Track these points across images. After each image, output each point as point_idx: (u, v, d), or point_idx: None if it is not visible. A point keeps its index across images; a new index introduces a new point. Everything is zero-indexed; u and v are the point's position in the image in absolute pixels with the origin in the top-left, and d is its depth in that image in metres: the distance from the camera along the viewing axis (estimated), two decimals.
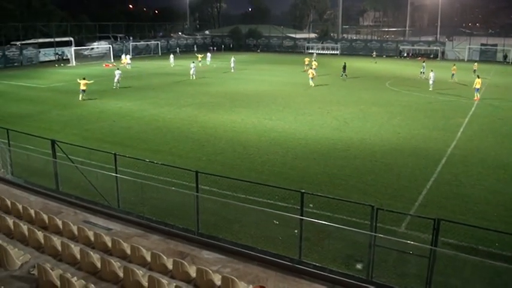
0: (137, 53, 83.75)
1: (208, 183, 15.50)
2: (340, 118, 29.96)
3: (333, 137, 25.10)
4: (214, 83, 47.01)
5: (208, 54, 70.82)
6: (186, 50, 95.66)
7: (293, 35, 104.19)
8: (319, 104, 34.75)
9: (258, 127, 27.43)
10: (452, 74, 48.38)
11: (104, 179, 14.90)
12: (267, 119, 29.75)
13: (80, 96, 37.11)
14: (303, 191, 11.47)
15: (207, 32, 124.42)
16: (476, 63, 57.36)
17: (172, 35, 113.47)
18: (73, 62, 67.43)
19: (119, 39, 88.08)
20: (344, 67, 51.40)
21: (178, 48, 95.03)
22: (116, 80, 42.89)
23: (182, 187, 14.14)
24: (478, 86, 36.79)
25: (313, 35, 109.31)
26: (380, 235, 10.47)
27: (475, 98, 36.82)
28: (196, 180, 12.69)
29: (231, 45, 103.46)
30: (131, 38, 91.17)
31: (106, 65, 66.08)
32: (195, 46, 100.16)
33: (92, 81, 39.43)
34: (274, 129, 26.81)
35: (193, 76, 49.18)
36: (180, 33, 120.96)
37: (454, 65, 51.41)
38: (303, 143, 23.90)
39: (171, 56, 68.48)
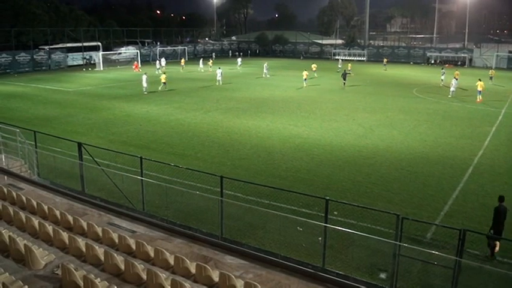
0: (164, 58, 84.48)
1: (232, 188, 15.50)
2: (366, 125, 29.69)
3: (359, 144, 24.87)
4: (240, 88, 47.13)
5: (239, 60, 71.16)
6: (217, 56, 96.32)
7: (319, 41, 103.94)
8: (345, 111, 34.52)
9: (283, 133, 27.39)
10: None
11: (129, 182, 15.05)
12: (292, 125, 29.68)
13: (160, 87, 44.14)
14: (328, 198, 11.38)
15: (233, 37, 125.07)
16: (492, 70, 57.37)
17: (199, 40, 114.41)
18: (101, 67, 68.51)
19: (146, 45, 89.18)
20: (344, 75, 48.83)
21: (213, 54, 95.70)
22: (144, 85, 43.00)
23: (207, 192, 14.17)
24: (480, 89, 39.18)
25: (339, 41, 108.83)
26: (405, 244, 10.30)
27: (478, 100, 38.87)
28: (221, 185, 12.69)
29: (257, 51, 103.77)
30: (158, 44, 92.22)
31: (135, 65, 67.00)
32: (230, 52, 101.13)
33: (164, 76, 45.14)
34: (299, 136, 26.73)
35: (220, 82, 49.41)
36: (207, 38, 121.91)
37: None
38: (328, 150, 23.74)
39: (200, 61, 68.77)
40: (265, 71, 58.25)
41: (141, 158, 14.65)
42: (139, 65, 68.98)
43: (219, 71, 50.10)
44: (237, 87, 47.69)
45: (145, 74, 43.33)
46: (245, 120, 30.91)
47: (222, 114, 33.23)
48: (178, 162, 19.05)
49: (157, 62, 67.05)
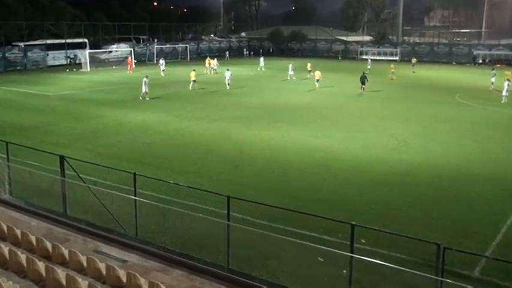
0: (162, 58, 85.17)
1: (241, 210, 15.41)
2: (399, 136, 29.59)
3: (390, 159, 24.78)
4: (252, 93, 47.31)
5: (261, 60, 71.76)
6: (220, 55, 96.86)
7: (344, 38, 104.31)
8: (374, 120, 34.47)
9: (301, 146, 27.39)
10: None
11: (120, 202, 15.04)
12: (312, 136, 29.67)
13: (190, 86, 48.21)
14: (354, 223, 11.28)
15: (243, 34, 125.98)
16: None
17: (203, 37, 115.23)
18: (87, 67, 68.99)
19: (141, 42, 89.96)
20: (363, 79, 48.17)
21: (227, 52, 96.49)
22: (143, 90, 42.94)
23: (211, 214, 14.12)
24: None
25: (367, 38, 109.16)
26: (448, 280, 10.16)
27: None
28: (228, 207, 12.66)
29: (271, 50, 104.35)
30: (156, 41, 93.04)
31: (129, 63, 67.54)
32: (246, 50, 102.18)
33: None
34: (320, 149, 26.70)
35: (229, 85, 49.63)
36: (212, 35, 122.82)
37: None
38: (354, 166, 23.66)
39: (214, 61, 68.55)
40: (290, 72, 59.06)
41: (134, 174, 14.67)
42: (133, 64, 69.54)
43: (227, 74, 50.35)
44: (248, 92, 47.87)
45: (146, 77, 43.54)
46: (256, 131, 30.98)
47: (229, 123, 33.34)
48: (178, 179, 19.02)
49: (161, 62, 66.64)
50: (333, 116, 35.69)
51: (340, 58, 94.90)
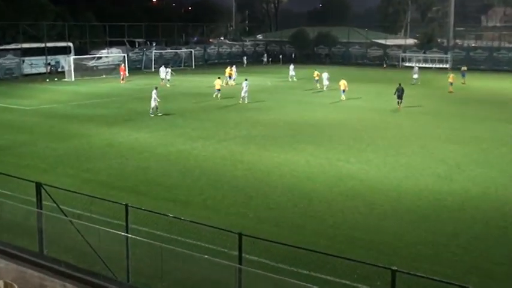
0: (161, 65, 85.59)
1: (256, 251, 15.32)
2: (451, 161, 29.35)
3: (440, 189, 24.54)
4: (270, 107, 47.46)
5: (291, 68, 72.27)
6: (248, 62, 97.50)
7: (382, 41, 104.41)
8: (419, 141, 34.30)
9: (330, 172, 27.26)
10: None
11: (109, 240, 14.99)
12: (343, 160, 29.55)
13: (215, 94, 52.36)
14: (395, 268, 11.13)
15: (259, 36, 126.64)
16: None
17: (211, 40, 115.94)
18: (72, 76, 69.52)
19: (137, 46, 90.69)
20: (399, 92, 47.70)
21: (245, 58, 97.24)
22: (152, 104, 43.19)
23: (219, 255, 14.02)
24: None
25: (411, 41, 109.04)
26: None
27: None
28: (240, 247, 12.57)
29: (293, 55, 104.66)
30: (154, 45, 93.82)
31: (121, 70, 67.94)
32: (266, 57, 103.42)
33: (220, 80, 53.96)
34: (354, 176, 26.54)
35: (246, 99, 50.01)
36: (222, 38, 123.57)
37: None
38: (395, 197, 23.46)
39: (233, 68, 68.60)
40: (326, 82, 60.00)
41: (126, 205, 14.62)
42: (126, 73, 69.99)
43: (245, 84, 50.64)
44: (266, 106, 48.03)
45: (155, 88, 43.90)
46: (275, 153, 30.93)
47: (242, 144, 33.40)
48: (180, 212, 18.97)
49: (166, 70, 66.07)
50: (368, 136, 35.61)
51: (385, 66, 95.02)
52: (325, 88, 59.44)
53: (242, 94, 50.35)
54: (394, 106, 47.38)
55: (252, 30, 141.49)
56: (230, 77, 65.80)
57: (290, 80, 70.46)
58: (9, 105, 48.14)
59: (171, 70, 66.65)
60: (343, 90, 51.79)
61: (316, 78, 62.48)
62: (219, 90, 52.63)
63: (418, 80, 66.50)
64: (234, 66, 71.27)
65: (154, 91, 43.34)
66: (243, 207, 22.14)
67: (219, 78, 54.27)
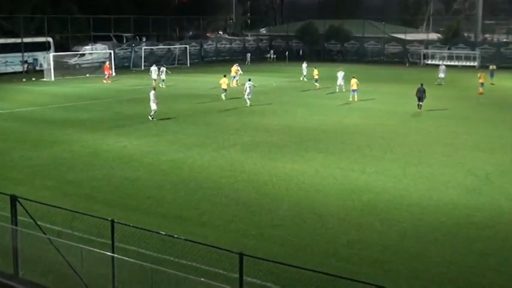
0: (152, 63, 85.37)
1: (259, 273, 15.29)
2: (480, 172, 29.29)
3: (467, 204, 24.47)
4: (276, 111, 47.63)
5: (304, 65, 72.42)
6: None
7: (401, 36, 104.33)
8: (443, 148, 34.27)
9: (343, 184, 27.19)
10: None
11: (93, 260, 14.95)
12: (358, 171, 29.49)
13: (223, 96, 53.22)
14: None
15: (262, 30, 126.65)
16: None
17: (208, 35, 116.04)
18: (51, 76, 69.49)
19: (125, 41, 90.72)
20: (420, 93, 47.59)
21: (249, 55, 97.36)
22: (153, 108, 43.15)
23: (216, 278, 14.00)
24: None
25: (434, 36, 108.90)
26: None
27: None
28: (241, 269, 12.54)
29: (301, 52, 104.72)
30: (144, 40, 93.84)
31: (106, 69, 67.88)
32: (271, 53, 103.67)
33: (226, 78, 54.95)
34: (369, 189, 26.49)
35: (248, 100, 50.01)
36: (220, 32, 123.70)
37: None
38: (416, 213, 23.41)
39: (237, 67, 68.14)
40: (341, 82, 60.47)
41: (112, 222, 14.59)
42: (112, 72, 69.95)
43: (248, 85, 50.38)
44: (270, 110, 48.17)
45: (154, 89, 44.06)
46: (281, 163, 30.90)
47: (243, 152, 33.39)
48: (173, 229, 18.93)
49: (161, 69, 65.67)
50: (386, 143, 35.60)
51: (408, 65, 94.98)
52: (337, 89, 59.52)
53: (245, 96, 50.21)
54: (415, 109, 47.40)
55: (254, 23, 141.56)
56: (235, 77, 65.54)
57: (302, 79, 70.66)
58: None
59: (166, 69, 66.25)
60: (355, 90, 52.19)
61: (316, 77, 63.04)
62: (225, 90, 53.47)
63: (444, 79, 66.43)
64: (237, 64, 70.87)
65: (153, 92, 43.20)
66: (244, 224, 22.08)
67: (225, 76, 54.80)
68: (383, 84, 66.54)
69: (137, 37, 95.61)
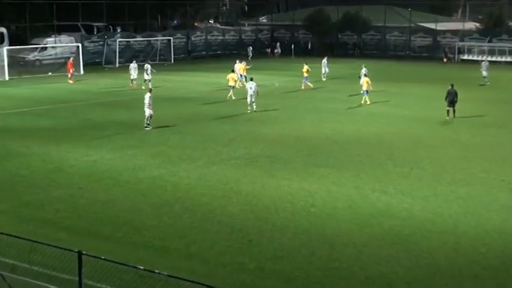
0: (129, 59, 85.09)
1: None
2: None
3: None
4: (279, 117, 47.98)
5: (324, 62, 72.46)
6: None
7: (432, 26, 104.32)
8: (483, 163, 34.28)
9: (360, 207, 27.11)
10: None
11: None
12: (378, 190, 29.43)
13: (231, 94, 55.49)
14: None
15: (263, 19, 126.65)
16: None
17: (196, 24, 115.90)
18: (5, 75, 69.43)
19: (95, 33, 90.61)
20: (451, 96, 47.57)
21: (251, 49, 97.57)
22: (148, 113, 43.18)
23: None
24: None
25: (471, 25, 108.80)
26: None
27: None
28: None
29: (309, 45, 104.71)
30: (119, 30, 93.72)
31: (70, 66, 67.81)
32: (277, 46, 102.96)
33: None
34: (393, 213, 26.46)
35: (254, 105, 50.06)
36: (211, 21, 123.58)
37: None
38: (450, 242, 23.41)
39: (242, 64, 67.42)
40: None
41: (79, 253, 14.60)
42: (80, 69, 69.89)
43: (251, 86, 50.31)
44: (273, 116, 48.51)
45: (149, 91, 44.12)
46: (285, 181, 30.86)
47: (239, 168, 33.39)
48: (154, 263, 18.92)
49: (145, 67, 64.98)
50: (412, 157, 35.65)
51: (446, 60, 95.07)
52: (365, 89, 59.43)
53: (248, 100, 50.02)
54: (438, 116, 47.36)
55: (252, 11, 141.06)
56: (242, 76, 64.09)
57: (324, 78, 71.13)
58: None
59: (151, 67, 65.83)
60: (366, 91, 52.54)
61: (306, 74, 63.71)
62: (233, 87, 55.42)
63: (487, 78, 66.44)
64: (243, 61, 70.53)
65: (149, 95, 43.14)
66: (241, 256, 22.02)
67: (232, 71, 56.14)
68: (409, 84, 66.63)
69: (110, 27, 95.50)
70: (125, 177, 31.69)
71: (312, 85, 63.18)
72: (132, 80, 63.78)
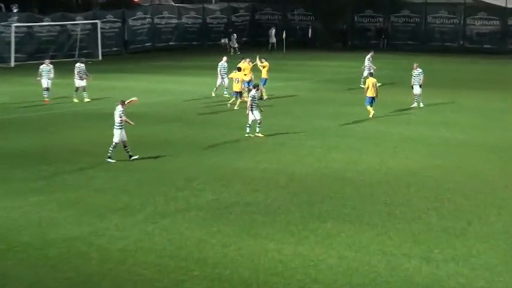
0: (33, 55, 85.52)
1: None
2: None
3: None
4: (263, 144, 48.45)
5: (369, 57, 73.84)
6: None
7: (499, 3, 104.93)
8: None
9: (389, 283, 26.59)
10: None
11: None
12: (417, 257, 29.03)
13: (235, 102, 60.68)
14: None
15: None
16: None
17: (137, 1, 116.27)
18: None
19: None
20: None
21: (234, 36, 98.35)
22: (117, 139, 43.33)
23: None
24: None
25: None
26: None
27: None
28: None
29: (310, 32, 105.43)
30: (15, 11, 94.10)
31: None
32: (272, 32, 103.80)
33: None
34: None
35: (258, 125, 50.70)
36: None
37: None
38: None
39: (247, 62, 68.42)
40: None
41: None
42: None
43: (253, 94, 51.15)
44: (255, 141, 48.88)
45: (122, 103, 44.08)
46: (272, 243, 30.48)
47: (202, 222, 33.14)
48: None
49: (77, 66, 66.12)
50: (468, 205, 35.55)
51: None
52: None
53: (251, 117, 50.38)
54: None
55: None
56: (249, 83, 63.37)
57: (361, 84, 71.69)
58: None
59: (85, 67, 65.63)
60: (372, 98, 53.26)
61: (265, 76, 65.01)
62: (239, 94, 57.18)
63: None
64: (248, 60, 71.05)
65: (120, 108, 43.19)
66: None
67: (239, 71, 57.76)
68: (464, 92, 67.19)
69: (1, 6, 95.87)
70: (25, 238, 31.18)
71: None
72: (44, 90, 63.09)
